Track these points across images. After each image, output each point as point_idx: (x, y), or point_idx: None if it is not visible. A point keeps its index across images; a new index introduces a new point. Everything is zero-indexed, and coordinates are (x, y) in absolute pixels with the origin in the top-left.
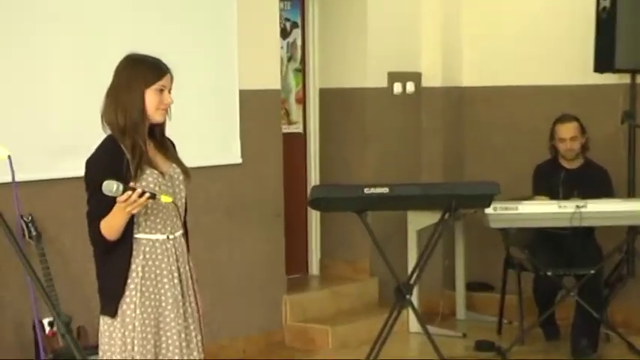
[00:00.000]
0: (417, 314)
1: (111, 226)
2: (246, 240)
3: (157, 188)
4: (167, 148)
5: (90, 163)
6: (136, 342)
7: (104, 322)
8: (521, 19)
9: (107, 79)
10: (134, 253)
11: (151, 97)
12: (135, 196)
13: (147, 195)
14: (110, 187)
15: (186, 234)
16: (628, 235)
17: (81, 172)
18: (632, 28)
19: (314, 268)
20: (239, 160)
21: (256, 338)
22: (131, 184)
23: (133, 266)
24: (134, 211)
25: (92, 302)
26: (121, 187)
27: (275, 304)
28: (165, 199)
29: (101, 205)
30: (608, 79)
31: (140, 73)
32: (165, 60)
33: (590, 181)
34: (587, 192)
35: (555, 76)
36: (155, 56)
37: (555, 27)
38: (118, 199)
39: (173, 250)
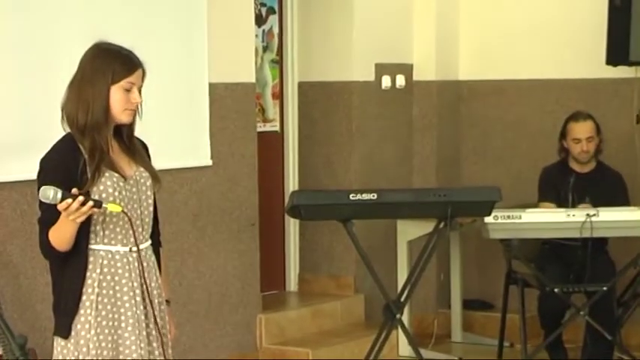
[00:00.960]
0: (408, 335)
1: (59, 235)
2: (216, 252)
3: (115, 193)
4: (135, 151)
5: (43, 163)
6: None
7: (57, 343)
8: (526, 5)
9: (63, 71)
10: (90, 266)
11: (117, 95)
12: (75, 204)
13: (90, 203)
14: (46, 194)
15: (155, 246)
16: None
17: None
18: None
19: (292, 283)
20: (209, 162)
21: None
22: (73, 190)
23: (89, 281)
24: (79, 220)
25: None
26: (60, 193)
27: (249, 324)
28: (112, 207)
29: (52, 211)
30: (622, 72)
31: (108, 66)
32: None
33: (604, 187)
34: (600, 199)
35: (563, 69)
36: (128, 48)
37: (564, 14)
38: (58, 207)
39: (136, 265)
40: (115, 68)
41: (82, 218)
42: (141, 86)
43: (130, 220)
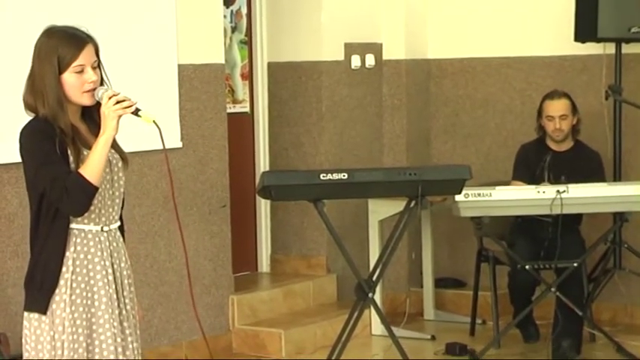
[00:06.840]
0: (381, 314)
1: (95, 161)
2: (187, 234)
3: None
4: None
5: (28, 131)
6: (65, 345)
7: (31, 318)
8: None
9: (27, 55)
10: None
11: (69, 80)
12: (121, 96)
13: (134, 101)
14: (101, 89)
15: (122, 228)
16: (614, 224)
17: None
18: None
19: (264, 264)
20: (178, 144)
21: (200, 344)
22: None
23: (63, 259)
24: (121, 112)
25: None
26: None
27: (221, 305)
28: (145, 117)
29: (64, 160)
30: (590, 49)
31: (52, 54)
32: (92, 31)
33: (581, 166)
34: (577, 178)
35: (531, 47)
36: (74, 26)
37: None
38: (107, 94)
39: (107, 244)
40: (60, 54)
41: (124, 112)
42: (96, 61)
43: (114, 195)
